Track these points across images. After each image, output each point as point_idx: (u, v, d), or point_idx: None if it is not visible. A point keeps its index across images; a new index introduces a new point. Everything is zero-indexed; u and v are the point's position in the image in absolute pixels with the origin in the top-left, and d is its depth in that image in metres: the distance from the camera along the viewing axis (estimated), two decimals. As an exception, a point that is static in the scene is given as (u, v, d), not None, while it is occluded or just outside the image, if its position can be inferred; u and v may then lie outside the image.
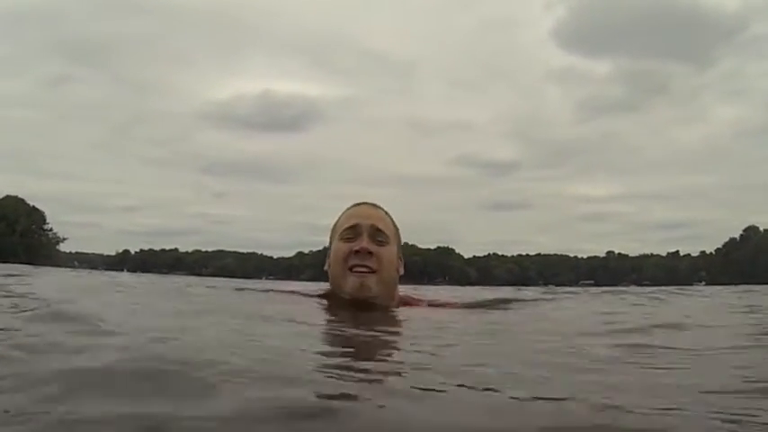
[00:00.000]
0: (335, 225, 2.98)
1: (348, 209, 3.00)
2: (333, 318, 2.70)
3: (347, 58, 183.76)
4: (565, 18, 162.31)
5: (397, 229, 3.01)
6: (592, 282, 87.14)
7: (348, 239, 2.83)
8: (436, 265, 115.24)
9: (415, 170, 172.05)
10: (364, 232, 2.82)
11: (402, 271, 3.01)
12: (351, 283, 2.78)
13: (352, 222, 2.86)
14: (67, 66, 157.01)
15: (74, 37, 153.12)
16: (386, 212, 3.01)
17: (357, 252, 2.79)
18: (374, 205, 3.02)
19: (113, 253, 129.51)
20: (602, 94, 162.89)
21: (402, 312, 2.85)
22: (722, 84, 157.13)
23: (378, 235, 2.84)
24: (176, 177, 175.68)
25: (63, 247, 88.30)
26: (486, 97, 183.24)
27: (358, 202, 3.04)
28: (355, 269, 2.79)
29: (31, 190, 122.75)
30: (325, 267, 2.99)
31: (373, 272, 2.79)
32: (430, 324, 2.53)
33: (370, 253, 2.79)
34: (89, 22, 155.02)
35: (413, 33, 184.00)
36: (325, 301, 2.95)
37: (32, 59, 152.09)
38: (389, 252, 2.88)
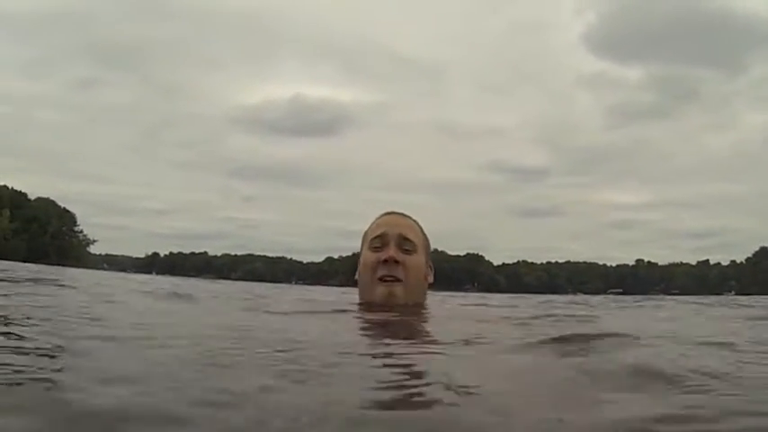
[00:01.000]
0: (365, 234, 3.00)
1: (378, 218, 3.01)
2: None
3: (378, 62, 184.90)
4: (595, 23, 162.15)
5: (425, 238, 3.01)
6: (620, 290, 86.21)
7: (376, 249, 2.85)
8: (465, 272, 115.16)
9: (445, 176, 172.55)
10: (391, 241, 2.83)
11: (431, 279, 3.04)
12: (379, 292, 2.80)
13: (380, 231, 2.88)
14: (97, 68, 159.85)
15: (104, 40, 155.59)
16: (414, 221, 3.02)
17: (385, 261, 2.80)
18: (403, 214, 3.02)
19: (143, 255, 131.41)
20: (632, 100, 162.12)
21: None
22: (754, 90, 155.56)
23: (405, 244, 2.84)
24: (206, 181, 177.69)
25: (93, 250, 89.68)
26: (515, 102, 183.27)
27: (388, 211, 3.05)
28: (383, 278, 2.80)
29: (62, 192, 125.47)
30: (356, 276, 3.00)
31: (400, 281, 2.80)
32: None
33: (397, 262, 2.80)
34: (119, 25, 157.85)
35: (443, 37, 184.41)
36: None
37: (62, 62, 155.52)
38: (417, 261, 2.88)
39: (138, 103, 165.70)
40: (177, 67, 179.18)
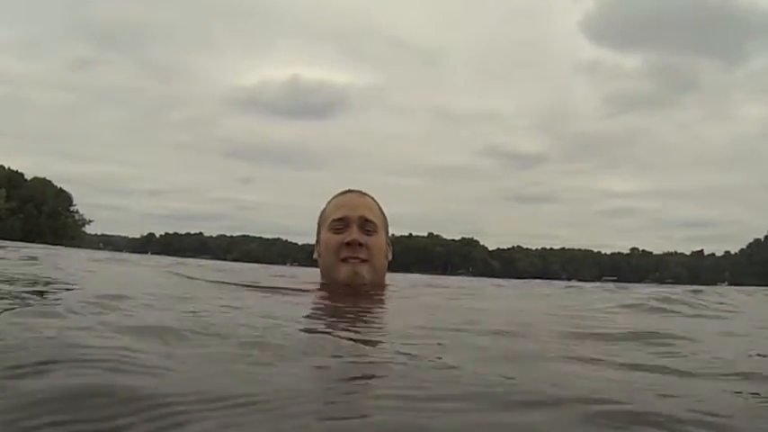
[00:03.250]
0: (323, 214, 3.03)
1: (335, 197, 3.04)
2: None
3: (375, 45, 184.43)
4: (594, 10, 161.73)
5: (384, 217, 3.06)
6: (615, 278, 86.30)
7: (338, 230, 2.89)
8: (460, 257, 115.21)
9: (441, 160, 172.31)
10: (353, 224, 2.87)
11: (390, 257, 3.09)
12: (344, 272, 2.84)
13: (340, 214, 2.91)
14: (94, 49, 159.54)
15: (101, 21, 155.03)
16: (373, 199, 3.06)
17: (348, 244, 2.84)
18: (361, 193, 3.06)
19: (138, 236, 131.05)
20: (630, 88, 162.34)
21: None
22: (752, 81, 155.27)
23: (366, 225, 2.89)
24: (202, 162, 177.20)
25: (89, 230, 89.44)
26: (513, 88, 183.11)
27: (344, 190, 3.08)
28: (346, 259, 2.85)
29: (59, 172, 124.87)
30: (315, 256, 3.06)
31: (365, 261, 2.86)
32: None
33: (361, 244, 2.85)
34: (116, 6, 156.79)
35: (441, 22, 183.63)
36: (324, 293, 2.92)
37: (59, 43, 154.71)
38: (379, 240, 2.94)
39: (134, 84, 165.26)
40: (174, 48, 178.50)
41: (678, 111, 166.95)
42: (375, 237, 2.92)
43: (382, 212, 3.06)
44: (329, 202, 3.04)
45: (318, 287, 2.96)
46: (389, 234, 3.12)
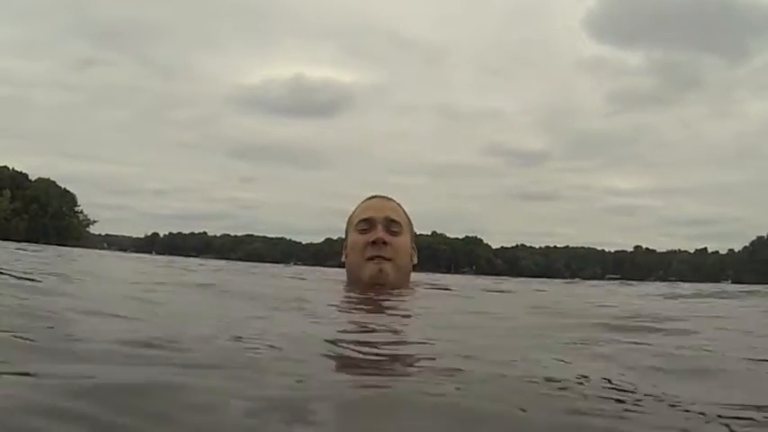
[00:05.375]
0: (351, 218, 3.13)
1: (362, 202, 3.15)
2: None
3: (379, 44, 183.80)
4: (596, 8, 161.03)
5: (409, 220, 3.16)
6: (618, 276, 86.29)
7: (364, 231, 2.99)
8: (464, 255, 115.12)
9: (445, 158, 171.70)
10: (379, 224, 2.97)
11: (416, 260, 3.17)
12: (369, 270, 2.94)
13: (367, 215, 3.02)
14: (96, 49, 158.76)
15: (103, 20, 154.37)
16: (398, 204, 3.15)
17: (373, 243, 2.94)
18: (387, 198, 3.17)
19: (142, 236, 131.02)
20: (633, 86, 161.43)
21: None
22: (756, 78, 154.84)
23: (392, 225, 2.99)
24: (206, 161, 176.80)
25: (93, 230, 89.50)
26: (516, 86, 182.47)
27: (371, 195, 3.18)
28: (372, 258, 2.95)
29: (62, 172, 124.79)
30: (343, 258, 3.16)
31: (389, 260, 2.95)
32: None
33: (386, 243, 2.94)
34: (117, 5, 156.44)
35: (444, 20, 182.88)
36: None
37: (61, 42, 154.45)
38: (403, 241, 3.03)
39: (137, 84, 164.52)
40: (177, 47, 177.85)
41: (681, 108, 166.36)
42: (400, 237, 3.01)
43: (407, 216, 3.16)
44: (357, 207, 3.14)
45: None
46: (414, 238, 3.19)
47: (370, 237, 2.95)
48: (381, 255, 2.93)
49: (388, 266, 2.94)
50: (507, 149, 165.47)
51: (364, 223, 3.00)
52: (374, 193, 3.19)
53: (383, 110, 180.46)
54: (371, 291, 2.82)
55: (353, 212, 3.12)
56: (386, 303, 2.47)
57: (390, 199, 3.17)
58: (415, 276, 3.26)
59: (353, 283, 3.05)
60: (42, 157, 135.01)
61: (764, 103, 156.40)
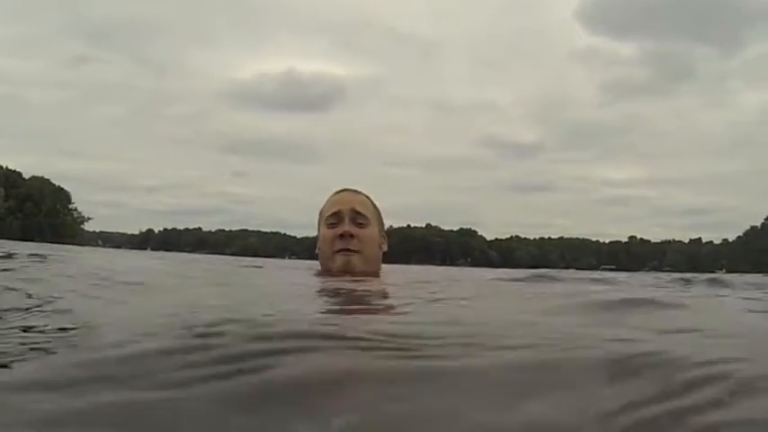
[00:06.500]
0: (321, 212, 3.24)
1: (331, 196, 3.26)
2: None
3: (372, 37, 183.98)
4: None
5: (377, 210, 3.28)
6: (613, 266, 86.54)
7: (332, 225, 3.11)
8: (459, 247, 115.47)
9: (439, 151, 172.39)
10: (345, 217, 3.09)
11: (385, 248, 3.31)
12: (338, 262, 3.06)
13: (334, 209, 3.13)
14: (88, 46, 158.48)
15: (95, 18, 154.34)
16: (366, 196, 3.27)
17: (341, 236, 3.06)
18: (355, 191, 3.29)
19: (137, 232, 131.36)
20: (626, 76, 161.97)
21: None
22: (749, 69, 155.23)
23: (358, 218, 3.10)
24: (199, 156, 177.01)
25: (87, 227, 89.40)
26: (510, 78, 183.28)
27: (339, 189, 3.30)
28: (340, 251, 3.06)
29: (56, 170, 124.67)
30: (316, 251, 3.27)
31: (357, 252, 3.07)
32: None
33: (352, 236, 3.06)
34: (110, 3, 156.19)
35: (438, 13, 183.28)
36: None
37: (53, 40, 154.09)
38: (371, 232, 3.15)
39: (130, 80, 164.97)
40: (169, 43, 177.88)
41: (675, 98, 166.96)
42: (367, 229, 3.12)
43: (375, 207, 3.27)
44: (326, 202, 3.24)
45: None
46: (385, 227, 3.32)
47: (338, 230, 3.06)
48: (349, 248, 3.05)
49: (355, 258, 3.05)
50: (501, 141, 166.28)
51: (332, 217, 3.12)
52: (343, 187, 3.31)
53: (377, 103, 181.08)
54: (336, 278, 2.95)
55: (323, 207, 3.24)
56: (346, 287, 2.58)
57: (359, 192, 3.28)
58: (388, 267, 3.38)
59: (324, 273, 3.18)
60: (36, 156, 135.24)
61: (758, 94, 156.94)
